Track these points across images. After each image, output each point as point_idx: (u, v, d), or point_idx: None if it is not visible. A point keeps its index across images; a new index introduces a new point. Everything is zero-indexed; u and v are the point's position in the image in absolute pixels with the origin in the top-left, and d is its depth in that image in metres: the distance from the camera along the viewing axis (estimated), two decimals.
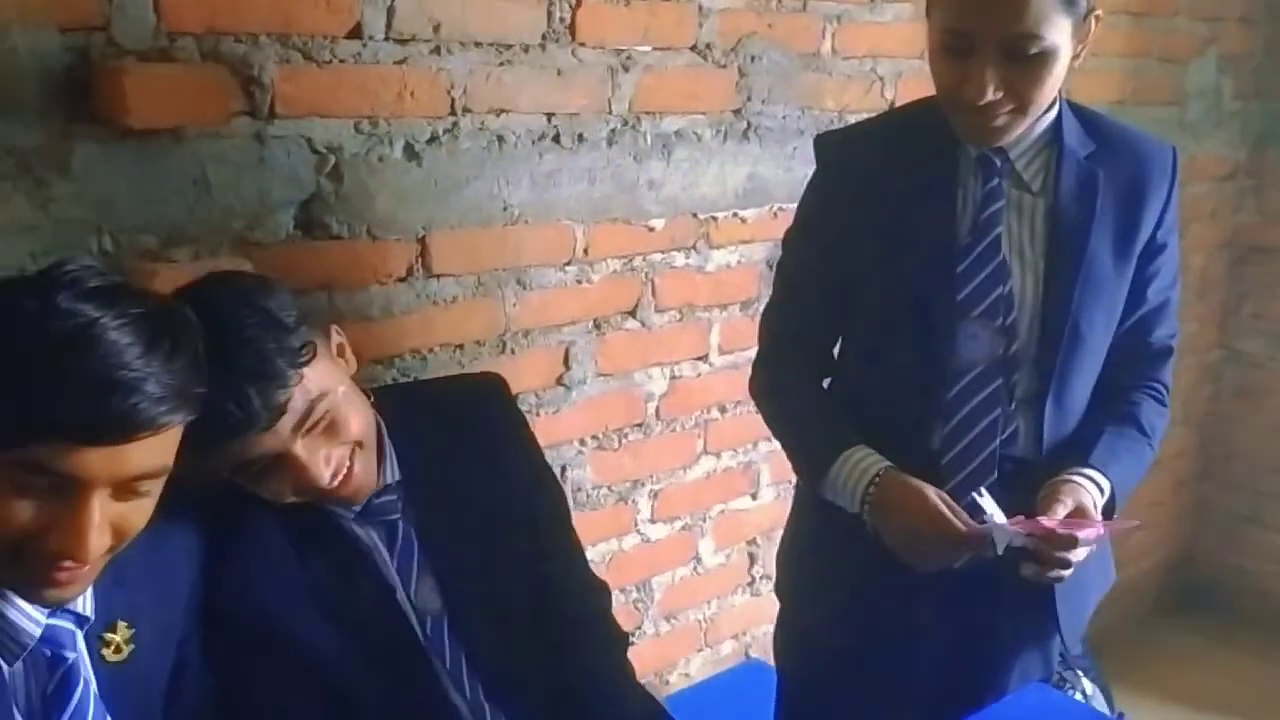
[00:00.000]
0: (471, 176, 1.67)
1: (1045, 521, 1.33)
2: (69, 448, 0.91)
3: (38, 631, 1.02)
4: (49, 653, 1.04)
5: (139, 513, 1.00)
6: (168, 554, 1.16)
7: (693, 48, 1.91)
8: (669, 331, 2.02)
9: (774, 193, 2.09)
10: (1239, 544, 3.46)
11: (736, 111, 2.00)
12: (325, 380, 1.22)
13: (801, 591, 1.68)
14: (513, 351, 1.79)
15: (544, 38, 1.71)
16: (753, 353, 1.64)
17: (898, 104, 2.15)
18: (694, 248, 2.01)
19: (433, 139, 1.62)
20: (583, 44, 1.75)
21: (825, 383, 1.60)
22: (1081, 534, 1.32)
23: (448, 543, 1.35)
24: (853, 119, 1.94)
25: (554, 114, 1.75)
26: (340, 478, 1.25)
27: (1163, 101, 2.90)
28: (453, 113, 1.63)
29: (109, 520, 0.96)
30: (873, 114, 1.80)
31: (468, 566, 1.35)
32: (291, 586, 1.27)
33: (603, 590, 1.52)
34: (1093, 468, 1.42)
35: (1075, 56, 1.35)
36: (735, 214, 2.06)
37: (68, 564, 0.95)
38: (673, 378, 2.05)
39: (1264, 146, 3.24)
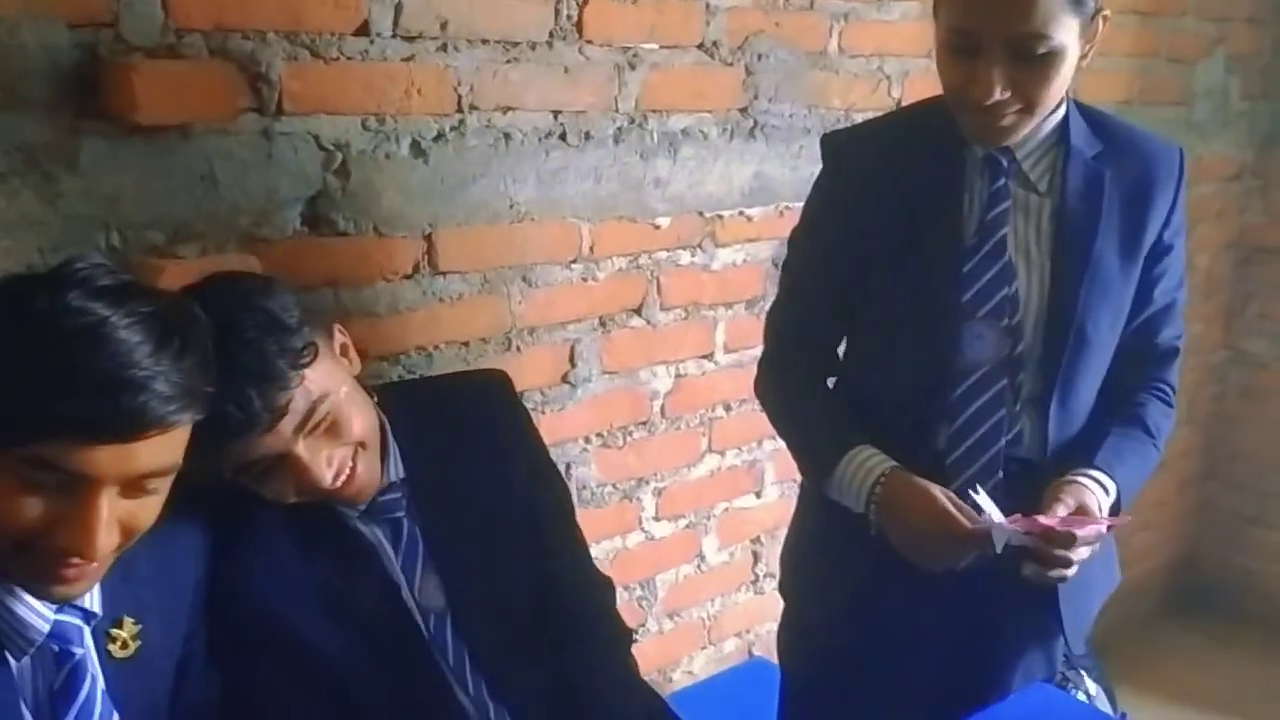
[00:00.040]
0: (478, 174, 1.67)
1: (1041, 519, 1.33)
2: (78, 445, 0.92)
3: (46, 627, 1.02)
4: (56, 648, 1.04)
5: (147, 510, 1.01)
6: (175, 551, 1.17)
7: (699, 46, 1.91)
8: (674, 330, 2.02)
9: (780, 191, 2.09)
10: (1243, 544, 3.46)
11: (743, 110, 2.00)
12: (327, 381, 1.22)
13: (805, 590, 1.68)
14: (518, 349, 1.79)
15: (551, 35, 1.71)
16: (758, 351, 1.64)
17: (904, 103, 2.15)
18: (700, 246, 2.01)
19: (439, 136, 1.62)
20: (590, 42, 1.75)
21: (830, 382, 1.60)
22: (1079, 531, 1.32)
23: (451, 540, 1.35)
24: (859, 118, 1.94)
25: (560, 112, 1.75)
26: (343, 478, 1.24)
27: (1170, 101, 2.90)
28: (459, 110, 1.63)
29: (117, 518, 0.97)
30: (879, 113, 1.80)
31: (471, 564, 1.35)
32: (297, 585, 1.27)
33: (607, 586, 1.52)
34: (1098, 469, 1.42)
35: (1083, 56, 1.34)
36: (741, 212, 2.06)
37: (76, 561, 0.96)
38: (678, 376, 2.05)
39: (1271, 147, 3.23)
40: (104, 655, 1.09)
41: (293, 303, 1.22)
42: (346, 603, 1.29)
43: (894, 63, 2.20)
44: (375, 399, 1.35)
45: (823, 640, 1.62)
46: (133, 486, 0.97)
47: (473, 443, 1.40)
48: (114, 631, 1.10)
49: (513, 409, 1.48)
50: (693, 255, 2.01)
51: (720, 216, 2.03)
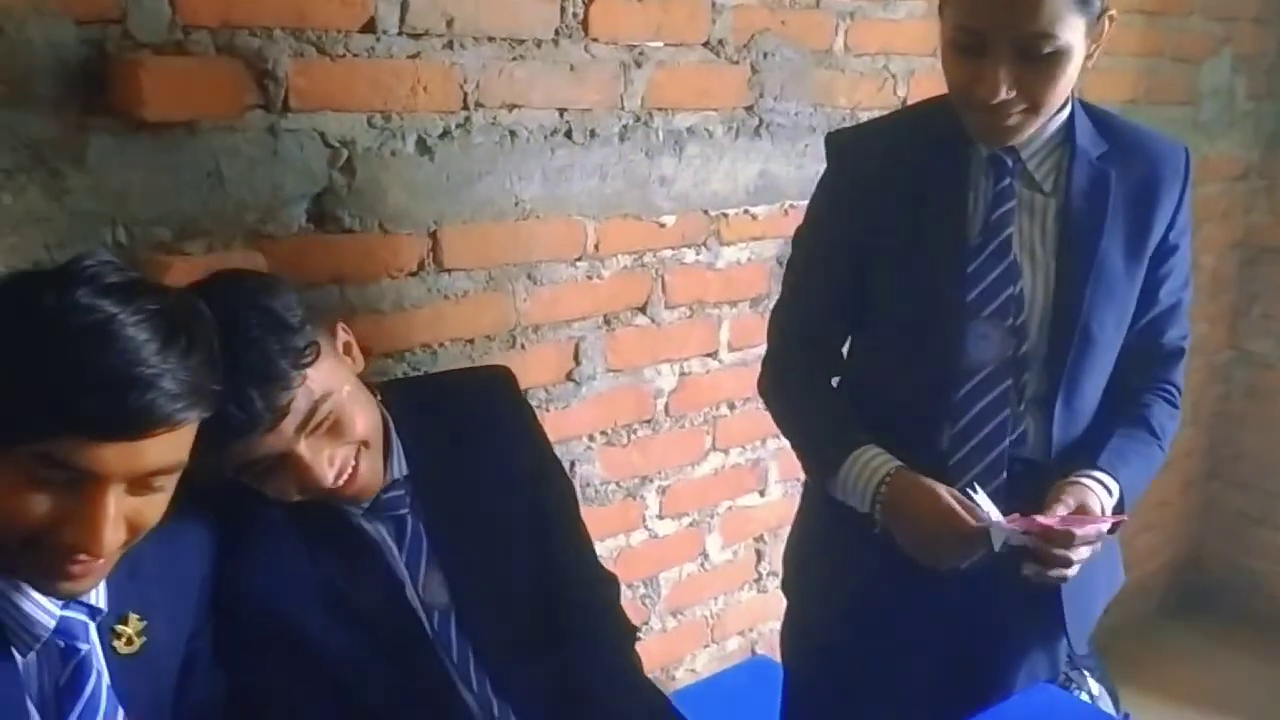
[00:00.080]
0: (483, 171, 1.67)
1: (1039, 519, 1.33)
2: (85, 442, 0.92)
3: (52, 623, 1.03)
4: (62, 644, 1.05)
5: (153, 507, 1.01)
6: (180, 549, 1.17)
7: (705, 44, 1.91)
8: (679, 328, 2.02)
9: (785, 190, 2.09)
10: (1247, 545, 3.45)
11: (748, 108, 2.00)
12: (330, 380, 1.22)
13: (808, 589, 1.68)
14: (523, 346, 1.79)
15: (557, 33, 1.71)
16: (762, 350, 1.64)
17: (910, 102, 2.14)
18: (705, 244, 2.01)
19: (445, 134, 1.62)
20: (595, 39, 1.75)
21: (834, 381, 1.60)
22: (1078, 530, 1.32)
23: (455, 537, 1.35)
24: (865, 116, 1.93)
25: (566, 109, 1.75)
26: (345, 477, 1.24)
27: (1176, 101, 2.89)
28: (465, 108, 1.63)
29: (124, 515, 0.97)
30: (885, 112, 1.80)
31: (475, 561, 1.35)
32: (301, 582, 1.27)
33: (611, 582, 1.52)
34: (1101, 470, 1.41)
35: (1088, 56, 1.34)
36: (746, 211, 2.06)
37: (82, 557, 0.96)
38: (682, 374, 2.05)
39: (1276, 147, 3.23)
40: (109, 651, 1.09)
41: (296, 301, 1.22)
42: (350, 600, 1.29)
43: (899, 61, 2.20)
44: (379, 396, 1.35)
45: (825, 639, 1.62)
46: (139, 484, 0.97)
47: (477, 440, 1.40)
48: (119, 628, 1.10)
49: (517, 406, 1.48)
50: (697, 253, 2.01)
51: (725, 215, 2.03)
